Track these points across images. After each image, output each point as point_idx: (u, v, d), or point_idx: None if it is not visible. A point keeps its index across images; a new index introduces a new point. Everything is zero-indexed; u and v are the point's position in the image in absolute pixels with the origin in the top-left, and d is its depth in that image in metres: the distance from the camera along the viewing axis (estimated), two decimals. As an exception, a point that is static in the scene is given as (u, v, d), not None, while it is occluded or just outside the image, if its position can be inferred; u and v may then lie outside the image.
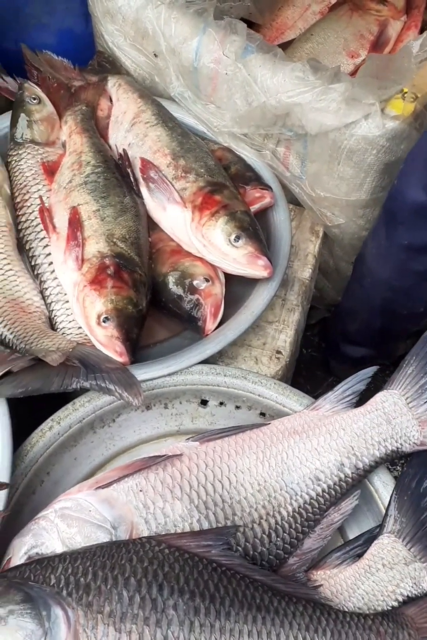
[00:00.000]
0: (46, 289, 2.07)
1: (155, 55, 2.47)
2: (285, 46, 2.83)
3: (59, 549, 1.56)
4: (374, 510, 1.80)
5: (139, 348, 1.93)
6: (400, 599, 1.61)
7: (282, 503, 1.69)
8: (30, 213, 2.18)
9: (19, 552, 1.58)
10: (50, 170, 2.26)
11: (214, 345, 1.94)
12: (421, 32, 2.88)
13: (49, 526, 1.59)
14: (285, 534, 1.68)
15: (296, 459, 1.74)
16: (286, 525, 1.68)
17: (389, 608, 1.60)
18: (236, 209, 2.08)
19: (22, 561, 1.56)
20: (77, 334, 1.98)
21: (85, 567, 1.40)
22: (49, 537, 1.58)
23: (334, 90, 2.11)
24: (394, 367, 1.86)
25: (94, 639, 1.30)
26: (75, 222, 2.04)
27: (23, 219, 2.18)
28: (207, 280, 2.02)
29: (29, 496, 1.80)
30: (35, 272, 2.09)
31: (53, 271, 2.07)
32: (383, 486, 1.78)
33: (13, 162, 2.29)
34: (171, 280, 2.05)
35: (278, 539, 1.67)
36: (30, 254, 2.13)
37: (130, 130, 2.36)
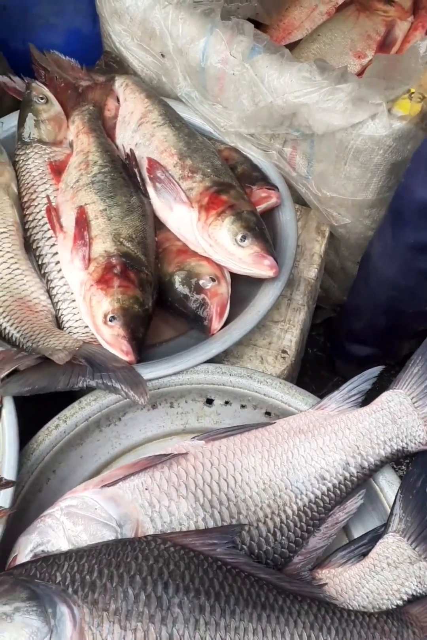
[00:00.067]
0: (53, 288, 2.08)
1: (163, 56, 2.47)
2: (292, 47, 2.84)
3: (65, 546, 1.56)
4: (379, 510, 1.80)
5: (145, 347, 1.94)
6: (405, 597, 1.62)
7: (287, 502, 1.70)
8: (38, 212, 2.19)
9: (25, 550, 1.59)
10: (58, 169, 2.26)
11: (220, 344, 1.94)
12: (428, 32, 2.89)
13: (54, 524, 1.60)
14: (290, 533, 1.68)
15: (301, 458, 1.74)
16: (291, 524, 1.69)
17: (394, 607, 1.60)
18: (242, 209, 2.08)
19: (28, 559, 1.56)
20: (83, 333, 1.98)
21: (91, 565, 1.40)
22: (54, 535, 1.58)
23: (341, 90, 2.11)
24: (400, 366, 1.86)
25: (100, 636, 1.31)
26: (82, 222, 2.04)
27: (30, 218, 2.19)
28: (213, 279, 2.02)
29: (35, 494, 1.81)
30: (42, 271, 2.10)
31: (60, 270, 2.08)
32: (388, 485, 1.78)
33: (20, 161, 2.30)
34: (177, 279, 2.05)
35: (283, 537, 1.67)
36: (37, 253, 2.14)
37: (138, 130, 2.36)
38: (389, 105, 2.12)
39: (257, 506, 1.67)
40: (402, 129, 2.11)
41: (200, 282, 2.02)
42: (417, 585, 1.63)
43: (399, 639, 1.49)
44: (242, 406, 1.97)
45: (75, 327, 2.00)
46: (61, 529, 1.59)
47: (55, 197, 2.21)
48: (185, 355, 1.92)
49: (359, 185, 2.29)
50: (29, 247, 2.16)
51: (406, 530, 1.67)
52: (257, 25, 2.63)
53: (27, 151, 2.31)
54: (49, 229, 2.13)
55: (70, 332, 1.99)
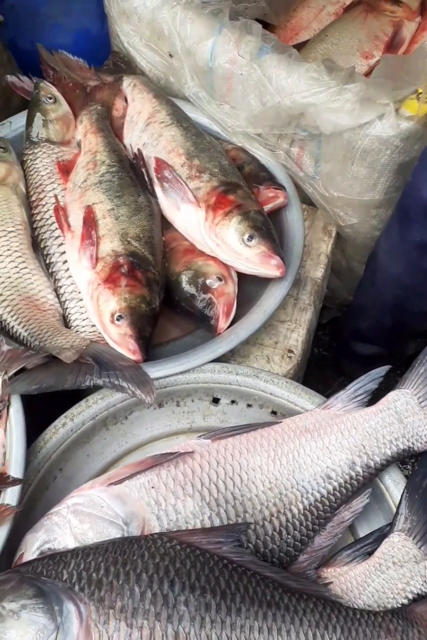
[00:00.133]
0: (60, 287, 2.08)
1: (171, 56, 2.47)
2: (299, 47, 2.83)
3: (72, 544, 1.57)
4: (385, 509, 1.81)
5: (151, 346, 1.94)
6: (410, 596, 1.62)
7: (293, 501, 1.70)
8: (45, 212, 2.19)
9: (32, 548, 1.60)
10: (66, 169, 2.27)
11: (226, 344, 1.95)
12: (436, 33, 2.89)
13: (61, 522, 1.61)
14: (296, 532, 1.68)
15: (307, 457, 1.74)
16: (297, 523, 1.69)
17: (399, 605, 1.61)
18: (249, 209, 2.08)
19: (34, 556, 1.57)
20: (90, 332, 1.99)
21: (98, 563, 1.41)
22: (61, 533, 1.59)
23: (348, 90, 2.11)
24: (405, 366, 1.86)
25: (106, 634, 1.31)
26: (89, 221, 2.05)
27: (38, 217, 2.20)
28: (220, 279, 2.02)
29: (42, 492, 1.82)
30: (50, 271, 2.11)
31: (67, 269, 2.09)
32: (394, 485, 1.78)
33: (28, 161, 2.31)
34: (184, 279, 2.06)
35: (289, 536, 1.68)
36: (45, 253, 2.14)
37: (145, 130, 2.36)
38: (397, 105, 2.12)
39: (263, 505, 1.68)
40: (409, 129, 2.12)
41: (207, 281, 2.02)
42: (422, 584, 1.63)
43: (404, 638, 1.49)
44: (249, 405, 1.98)
45: (83, 326, 2.01)
46: (68, 526, 1.59)
47: (63, 196, 2.21)
48: (191, 355, 1.93)
49: (366, 186, 2.29)
50: (37, 246, 2.16)
51: (411, 530, 1.68)
52: (265, 25, 2.62)
53: (35, 151, 2.32)
54: (56, 229, 2.14)
55: (77, 331, 2.00)
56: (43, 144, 2.33)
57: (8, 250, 2.09)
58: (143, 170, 2.25)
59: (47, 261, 2.13)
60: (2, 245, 2.09)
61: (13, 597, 1.33)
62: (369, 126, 2.13)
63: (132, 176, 2.22)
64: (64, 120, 2.40)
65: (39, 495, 1.80)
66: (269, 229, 2.07)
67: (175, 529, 1.61)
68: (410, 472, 1.86)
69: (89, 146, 2.31)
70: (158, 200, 2.21)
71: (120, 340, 1.88)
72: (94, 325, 1.98)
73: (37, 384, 1.80)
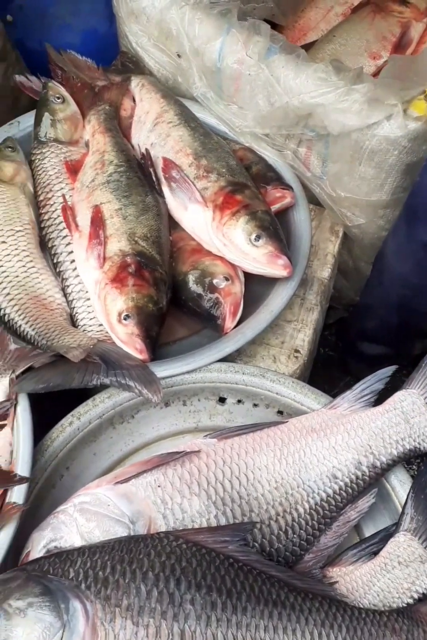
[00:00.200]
0: (68, 286, 2.09)
1: (179, 56, 2.47)
2: (307, 47, 2.82)
3: (78, 542, 1.57)
4: (391, 509, 1.81)
5: (158, 346, 1.95)
6: (415, 596, 1.62)
7: (299, 500, 1.70)
8: (53, 211, 2.20)
9: (38, 546, 1.60)
10: (73, 169, 2.27)
11: (233, 343, 1.95)
12: (444, 33, 2.89)
13: (68, 520, 1.61)
14: (301, 531, 1.69)
15: (314, 457, 1.75)
16: (303, 523, 1.69)
17: (405, 605, 1.61)
18: (256, 209, 2.09)
19: (41, 554, 1.58)
20: (98, 331, 1.99)
21: (104, 561, 1.41)
22: (67, 531, 1.60)
23: (356, 91, 2.11)
24: (412, 366, 1.86)
25: (112, 632, 1.32)
26: (97, 221, 2.05)
27: (46, 217, 2.20)
28: (227, 279, 2.03)
29: (49, 490, 1.82)
30: (57, 270, 2.12)
31: (75, 269, 2.09)
32: (400, 485, 1.79)
33: (37, 160, 2.32)
34: (191, 278, 2.06)
35: (294, 535, 1.68)
36: (52, 252, 2.15)
37: (153, 130, 2.37)
38: (405, 106, 2.12)
39: (269, 504, 1.68)
40: (417, 130, 2.12)
41: (214, 281, 2.03)
42: (428, 584, 1.64)
43: (409, 637, 1.50)
44: (255, 405, 1.98)
45: (90, 325, 2.01)
46: (74, 525, 1.60)
47: (70, 196, 2.22)
48: (198, 354, 1.93)
49: (374, 186, 2.29)
50: (45, 245, 2.17)
51: (417, 530, 1.68)
52: (273, 26, 2.62)
53: (43, 150, 2.32)
54: (64, 228, 2.15)
55: (84, 330, 2.01)
56: (51, 144, 2.34)
57: (16, 249, 2.09)
58: (151, 170, 2.25)
59: (55, 260, 2.13)
60: (10, 245, 2.10)
61: (19, 595, 1.33)
62: (377, 126, 2.13)
63: (140, 176, 2.22)
64: (72, 120, 2.40)
65: (45, 493, 1.81)
66: (276, 229, 2.07)
67: (181, 528, 1.61)
68: (416, 472, 1.87)
69: (97, 146, 2.31)
70: (165, 200, 2.21)
71: (128, 340, 1.88)
72: (101, 325, 1.99)
73: (44, 383, 1.81)
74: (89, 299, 2.04)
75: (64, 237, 2.15)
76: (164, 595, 1.36)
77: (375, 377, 1.86)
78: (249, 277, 2.10)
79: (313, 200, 2.47)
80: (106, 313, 1.92)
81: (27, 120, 2.46)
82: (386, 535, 1.72)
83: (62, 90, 2.45)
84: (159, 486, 1.66)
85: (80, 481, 1.85)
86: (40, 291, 2.05)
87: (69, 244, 2.13)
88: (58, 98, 2.40)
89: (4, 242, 2.10)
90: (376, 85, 2.11)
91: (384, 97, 2.10)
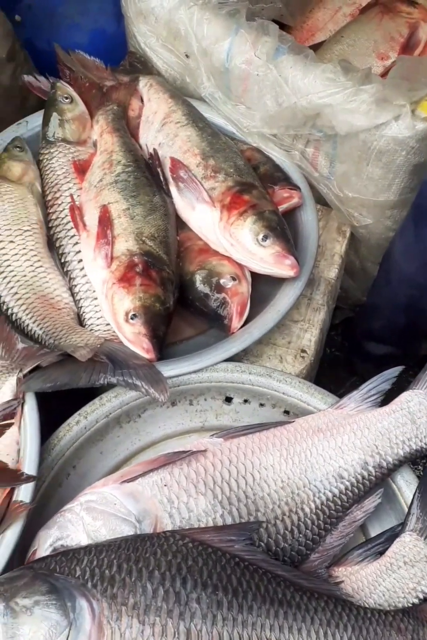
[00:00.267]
0: (75, 286, 2.09)
1: (187, 56, 2.47)
2: (315, 48, 2.82)
3: (84, 541, 1.58)
4: (397, 509, 1.81)
5: (165, 345, 1.95)
6: (421, 596, 1.62)
7: (305, 500, 1.71)
8: (61, 211, 2.20)
9: (45, 544, 1.61)
10: (81, 169, 2.27)
11: (240, 343, 1.95)
12: (452, 34, 2.88)
13: (74, 519, 1.61)
14: (307, 531, 1.69)
15: (320, 457, 1.75)
16: (309, 522, 1.70)
17: (410, 605, 1.61)
18: (264, 209, 2.09)
19: (47, 553, 1.58)
20: (105, 331, 2.00)
21: (110, 560, 1.41)
22: (74, 530, 1.60)
23: (364, 91, 2.11)
24: (418, 367, 1.86)
25: (118, 630, 1.32)
26: (105, 221, 2.06)
27: (54, 216, 2.21)
28: (234, 279, 2.03)
29: (55, 489, 1.83)
30: (65, 269, 2.12)
31: (82, 268, 2.10)
32: (406, 485, 1.79)
33: (45, 160, 2.32)
34: (198, 278, 2.06)
35: (300, 535, 1.68)
36: (60, 252, 2.15)
37: (161, 130, 2.37)
38: (413, 106, 2.12)
39: (275, 504, 1.68)
40: (425, 130, 2.11)
41: (221, 281, 2.03)
42: (433, 584, 1.64)
43: (414, 637, 1.50)
44: (261, 405, 1.98)
45: (97, 325, 2.02)
46: (81, 523, 1.60)
47: (78, 196, 2.22)
48: (205, 354, 1.93)
49: (381, 186, 2.29)
50: (52, 245, 2.18)
51: (423, 530, 1.68)
52: (281, 26, 2.62)
53: (51, 150, 2.33)
54: (72, 228, 2.15)
55: (92, 330, 2.01)
56: (59, 144, 2.34)
57: (24, 249, 2.10)
58: (158, 170, 2.25)
59: (62, 260, 2.14)
60: (18, 244, 2.11)
61: (26, 594, 1.34)
62: (385, 127, 2.13)
63: (148, 176, 2.23)
64: (80, 120, 2.41)
65: (52, 492, 1.81)
66: (283, 229, 2.07)
67: (187, 527, 1.62)
68: (422, 473, 1.86)
69: (105, 146, 2.32)
70: (173, 200, 2.22)
71: (135, 339, 1.88)
72: (108, 324, 1.99)
73: (51, 382, 1.82)
74: (96, 299, 2.04)
75: (72, 236, 2.15)
76: (170, 594, 1.36)
77: (382, 378, 1.86)
78: (256, 277, 2.10)
79: (320, 200, 2.47)
80: (113, 312, 1.93)
81: (35, 120, 2.47)
82: (391, 535, 1.72)
83: (71, 90, 2.45)
84: (165, 485, 1.66)
85: (87, 480, 1.85)
86: (48, 291, 2.05)
87: (76, 243, 2.13)
88: (66, 98, 2.41)
89: (12, 241, 2.11)
90: (384, 86, 2.11)
91: (392, 98, 2.11)
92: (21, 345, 1.93)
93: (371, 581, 1.64)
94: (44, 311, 1.99)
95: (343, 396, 1.86)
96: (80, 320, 2.05)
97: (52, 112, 2.40)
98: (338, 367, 3.02)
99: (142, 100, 2.51)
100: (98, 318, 2.03)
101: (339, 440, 1.77)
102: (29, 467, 1.69)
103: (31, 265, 2.08)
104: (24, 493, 1.64)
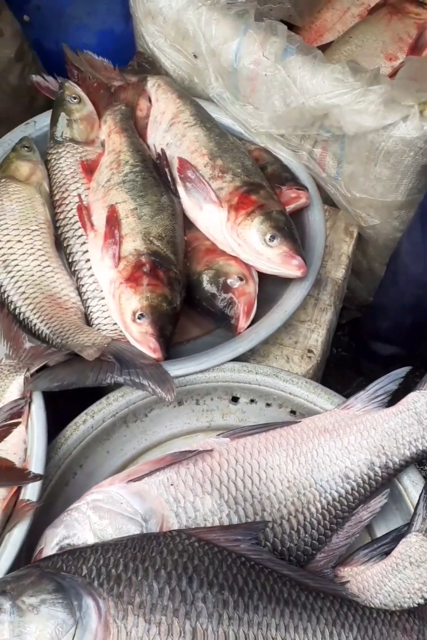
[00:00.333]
0: (83, 285, 2.10)
1: (195, 56, 2.48)
2: (323, 48, 2.82)
3: (91, 540, 1.58)
4: (403, 509, 1.81)
5: (172, 345, 1.95)
6: (426, 596, 1.62)
7: (312, 500, 1.71)
8: (69, 211, 2.21)
9: (51, 543, 1.61)
10: (89, 168, 2.28)
11: (246, 343, 1.95)
12: (461, 35, 2.88)
13: (81, 517, 1.62)
14: (313, 531, 1.69)
15: (326, 457, 1.75)
16: (315, 522, 1.70)
17: (416, 605, 1.61)
18: (271, 209, 2.09)
19: (54, 551, 1.59)
20: (112, 330, 2.00)
21: (117, 559, 1.42)
22: (80, 529, 1.60)
23: (373, 92, 2.11)
24: (425, 368, 1.86)
25: (124, 629, 1.32)
26: (112, 220, 2.06)
27: (61, 216, 2.21)
28: (241, 279, 2.03)
29: (62, 488, 1.83)
30: (72, 269, 2.12)
31: (90, 268, 2.10)
32: (412, 485, 1.79)
33: (53, 160, 2.33)
34: (205, 278, 2.07)
35: (306, 535, 1.68)
36: (67, 251, 2.16)
37: (169, 130, 2.37)
38: (421, 107, 2.11)
39: (281, 503, 1.69)
40: (433, 131, 2.12)
41: (228, 281, 2.03)
42: (439, 585, 1.63)
43: (420, 637, 1.50)
44: (268, 405, 1.98)
45: (104, 324, 2.02)
46: (87, 522, 1.61)
47: (86, 196, 2.22)
48: (211, 353, 1.94)
49: (389, 187, 2.29)
50: (60, 245, 2.18)
51: (429, 530, 1.68)
52: (290, 27, 2.62)
53: (59, 150, 2.33)
54: (79, 228, 2.16)
55: (99, 329, 2.01)
56: (67, 144, 2.34)
57: (31, 248, 2.11)
58: (166, 170, 2.26)
59: (70, 260, 2.14)
60: (26, 244, 2.11)
61: (33, 592, 1.34)
62: (393, 128, 2.13)
63: (155, 176, 2.23)
64: (88, 120, 2.41)
65: (59, 491, 1.82)
66: (291, 229, 2.07)
67: (193, 526, 1.62)
68: (428, 473, 1.87)
69: (112, 146, 2.32)
70: (180, 200, 2.22)
71: (141, 339, 1.89)
72: (115, 324, 2.00)
73: (58, 381, 1.82)
74: (103, 298, 2.05)
75: (80, 236, 2.16)
76: (176, 593, 1.36)
77: (388, 378, 1.86)
78: (263, 277, 2.10)
79: (328, 200, 2.47)
80: (121, 312, 1.93)
81: (43, 120, 2.47)
82: (397, 536, 1.72)
83: (79, 91, 2.45)
84: (171, 485, 1.66)
85: (94, 479, 1.86)
86: (55, 290, 2.06)
87: (84, 243, 2.14)
88: (74, 98, 2.41)
89: (19, 241, 2.11)
90: (392, 87, 2.11)
91: (401, 99, 2.10)
92: (29, 344, 1.94)
93: (376, 581, 1.64)
94: (51, 310, 2.00)
95: (350, 396, 1.86)
96: (88, 320, 2.06)
97: (60, 112, 2.40)
98: (345, 368, 3.02)
99: (150, 101, 2.52)
100: (105, 317, 2.03)
101: (345, 440, 1.77)
102: (36, 466, 1.69)
103: (39, 265, 2.09)
104: (30, 492, 1.65)
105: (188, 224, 2.21)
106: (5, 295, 2.04)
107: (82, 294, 2.09)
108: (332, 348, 2.79)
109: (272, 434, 1.78)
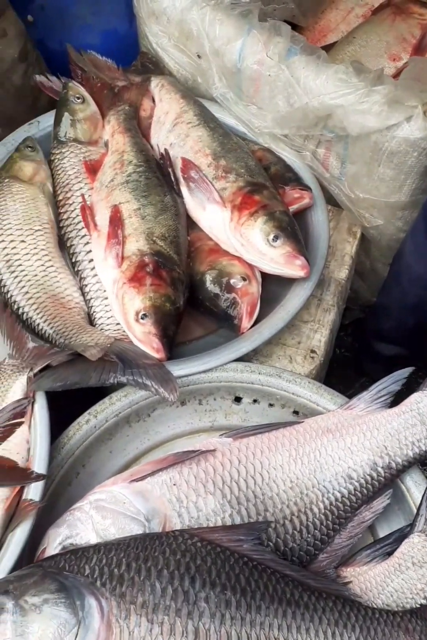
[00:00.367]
0: (86, 285, 2.10)
1: (199, 56, 2.48)
2: (327, 49, 2.81)
3: (94, 540, 1.58)
4: (405, 510, 1.81)
5: (175, 345, 1.96)
6: (429, 597, 1.62)
7: (314, 500, 1.71)
8: (72, 211, 2.21)
9: (54, 542, 1.61)
10: (93, 168, 2.28)
11: (250, 343, 1.95)
12: (464, 35, 2.88)
13: (83, 517, 1.62)
14: (316, 531, 1.69)
15: (329, 457, 1.75)
16: (317, 522, 1.69)
17: (418, 606, 1.60)
18: (275, 209, 2.09)
19: (56, 551, 1.58)
20: (115, 330, 2.00)
21: (119, 558, 1.41)
22: (83, 528, 1.60)
23: (376, 92, 2.11)
24: (427, 368, 1.86)
25: (127, 629, 1.32)
26: (116, 220, 2.06)
27: (65, 216, 2.22)
28: (244, 279, 2.03)
29: (65, 487, 1.83)
30: (76, 269, 2.13)
31: (93, 268, 2.10)
32: (415, 486, 1.78)
33: (56, 160, 2.33)
34: (209, 278, 2.07)
35: (309, 535, 1.68)
36: (71, 251, 2.16)
37: (172, 130, 2.38)
38: (425, 107, 2.11)
39: (284, 504, 1.68)
40: (437, 132, 2.12)
41: (231, 281, 2.03)
42: (442, 586, 1.63)
43: (422, 638, 1.49)
44: (270, 405, 1.98)
45: (107, 324, 2.02)
46: (90, 522, 1.61)
47: (89, 196, 2.23)
48: (214, 353, 1.94)
49: (392, 187, 2.29)
50: (63, 245, 2.19)
51: (431, 531, 1.68)
52: (294, 27, 2.62)
53: (63, 150, 2.33)
54: (83, 228, 2.16)
55: (102, 329, 2.01)
56: (71, 144, 2.35)
57: (35, 248, 2.11)
58: (170, 170, 2.25)
59: (73, 260, 2.14)
60: (29, 244, 2.11)
61: (35, 592, 1.34)
62: (397, 128, 2.13)
63: (159, 176, 2.23)
64: (92, 120, 2.41)
65: (61, 490, 1.82)
66: (294, 229, 2.07)
67: (196, 526, 1.62)
68: (431, 474, 1.86)
69: (116, 146, 2.32)
70: (184, 200, 2.22)
71: (145, 339, 1.89)
72: (118, 324, 2.00)
73: (61, 381, 1.82)
74: (106, 298, 2.05)
75: (83, 236, 2.16)
76: (179, 593, 1.36)
77: (391, 379, 1.86)
78: (266, 278, 2.10)
79: (331, 201, 2.47)
80: (124, 312, 1.93)
81: (46, 120, 2.47)
82: (400, 536, 1.72)
83: (82, 91, 2.46)
84: (174, 484, 1.66)
85: (97, 479, 1.86)
86: (59, 290, 2.06)
87: (87, 243, 2.14)
88: (78, 98, 2.41)
89: (23, 241, 2.11)
90: (396, 87, 2.11)
91: (404, 99, 2.10)
92: (32, 344, 1.94)
93: (379, 582, 1.64)
94: (54, 310, 2.00)
95: (352, 397, 1.86)
96: (91, 320, 2.06)
97: (64, 112, 2.40)
98: (348, 368, 3.02)
99: (153, 101, 2.52)
100: (108, 317, 2.03)
101: (348, 440, 1.77)
102: (39, 465, 1.69)
103: (42, 265, 2.09)
104: (33, 491, 1.65)
105: (191, 224, 2.21)
106: (9, 295, 2.04)
107: (85, 294, 2.09)
108: (335, 348, 2.79)
109: (275, 434, 1.78)
